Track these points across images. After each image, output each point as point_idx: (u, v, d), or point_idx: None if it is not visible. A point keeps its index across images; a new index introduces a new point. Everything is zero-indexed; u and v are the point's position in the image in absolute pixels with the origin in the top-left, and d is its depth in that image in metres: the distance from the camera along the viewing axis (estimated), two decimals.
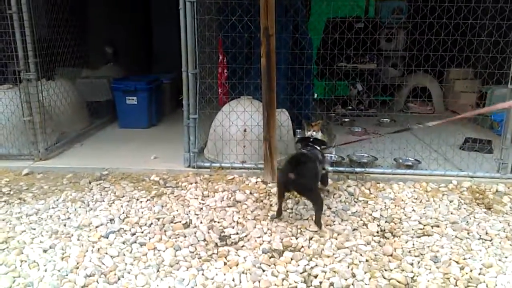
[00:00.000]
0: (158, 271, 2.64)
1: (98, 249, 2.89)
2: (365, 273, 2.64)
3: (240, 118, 4.29)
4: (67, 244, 2.94)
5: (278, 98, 3.98)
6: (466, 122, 6.35)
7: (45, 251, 2.87)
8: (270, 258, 2.79)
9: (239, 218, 3.35)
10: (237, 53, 4.39)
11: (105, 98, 6.30)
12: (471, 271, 2.68)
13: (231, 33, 4.29)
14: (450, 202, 3.73)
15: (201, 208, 3.54)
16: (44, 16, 5.07)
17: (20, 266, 2.70)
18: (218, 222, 3.29)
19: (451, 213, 3.52)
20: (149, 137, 5.65)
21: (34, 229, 3.18)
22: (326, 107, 5.56)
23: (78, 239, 3.02)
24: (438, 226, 3.29)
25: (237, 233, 3.12)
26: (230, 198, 3.71)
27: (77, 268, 2.66)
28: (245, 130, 4.33)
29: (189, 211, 3.47)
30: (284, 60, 4.63)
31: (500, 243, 3.05)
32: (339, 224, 3.28)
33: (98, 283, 2.51)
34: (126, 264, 2.71)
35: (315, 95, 6.33)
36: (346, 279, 2.56)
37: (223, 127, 4.34)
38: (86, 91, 6.12)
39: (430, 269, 2.70)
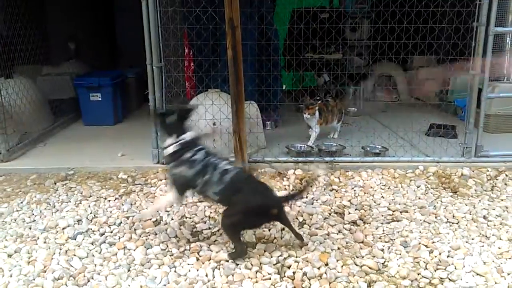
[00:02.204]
0: (129, 270, 2.58)
1: (66, 251, 2.79)
2: (337, 260, 2.66)
3: (208, 111, 4.24)
4: (33, 248, 2.83)
5: (246, 90, 3.95)
6: (430, 108, 6.50)
7: (9, 255, 2.75)
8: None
9: (211, 212, 3.31)
10: (203, 45, 4.33)
11: (68, 96, 6.11)
12: (440, 254, 2.74)
13: (195, 25, 4.22)
14: (418, 187, 3.81)
15: (171, 205, 3.48)
16: None
17: None
18: (190, 218, 3.24)
19: (419, 198, 3.59)
20: (116, 134, 5.52)
21: None
22: (294, 98, 5.56)
23: (44, 242, 2.91)
24: (406, 212, 3.36)
25: (209, 228, 3.09)
26: None
27: (45, 271, 2.56)
28: (214, 124, 4.28)
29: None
30: (251, 52, 4.59)
31: (466, 225, 3.13)
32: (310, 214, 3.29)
33: (67, 286, 2.43)
34: (95, 265, 2.63)
35: (283, 87, 6.35)
36: (318, 268, 2.57)
37: (192, 121, 4.26)
38: (48, 88, 5.91)
39: (400, 254, 2.75)
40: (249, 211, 2.61)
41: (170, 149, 2.71)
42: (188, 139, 2.73)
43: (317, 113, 4.79)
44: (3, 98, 4.48)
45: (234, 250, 2.67)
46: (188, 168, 2.64)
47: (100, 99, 5.76)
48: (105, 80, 5.78)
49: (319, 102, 4.94)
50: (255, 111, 4.51)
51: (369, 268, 2.58)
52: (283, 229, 3.01)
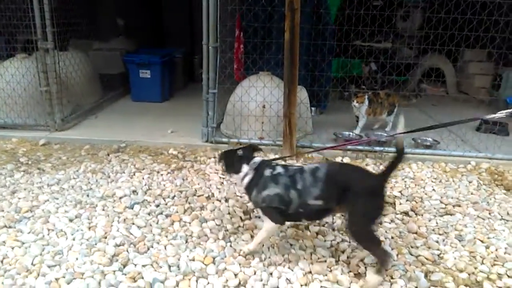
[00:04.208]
0: (186, 241, 2.65)
1: (124, 219, 2.89)
2: (392, 249, 2.65)
3: (259, 93, 4.26)
4: (92, 214, 2.95)
5: (299, 74, 3.94)
6: (479, 104, 6.33)
7: (71, 220, 2.87)
8: (295, 232, 2.80)
9: None
10: (259, 27, 4.32)
11: (118, 71, 6.25)
12: (496, 250, 2.69)
13: (253, 6, 4.21)
14: (470, 182, 3.74)
15: (222, 183, 3.54)
16: None
17: (48, 234, 2.70)
18: (241, 197, 3.29)
19: (471, 194, 3.53)
20: (164, 111, 5.62)
21: (57, 198, 3.18)
22: (340, 85, 5.51)
23: (103, 210, 3.02)
24: (459, 206, 3.30)
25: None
26: None
27: (105, 237, 2.67)
28: (263, 106, 4.30)
29: (210, 185, 3.48)
30: (306, 35, 4.56)
31: None
32: None
33: (128, 252, 2.52)
34: (154, 234, 2.72)
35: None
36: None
37: (242, 103, 4.31)
38: (99, 63, 6.06)
39: (456, 247, 2.72)
40: (371, 197, 2.26)
41: (247, 178, 2.45)
42: (259, 161, 2.50)
43: (366, 101, 4.74)
44: (60, 69, 4.61)
45: (378, 261, 2.30)
46: (275, 184, 2.34)
47: (149, 76, 5.87)
48: (155, 58, 5.87)
49: (368, 92, 4.87)
50: (306, 96, 4.49)
51: (426, 259, 2.56)
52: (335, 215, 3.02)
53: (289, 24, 3.73)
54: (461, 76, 7.04)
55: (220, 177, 3.63)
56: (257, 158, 2.53)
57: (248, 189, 2.46)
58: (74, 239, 2.66)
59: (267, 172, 2.41)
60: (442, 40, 4.37)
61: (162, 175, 3.64)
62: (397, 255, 2.60)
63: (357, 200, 2.23)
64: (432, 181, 3.75)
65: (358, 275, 2.39)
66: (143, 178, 3.55)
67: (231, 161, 2.53)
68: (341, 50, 5.99)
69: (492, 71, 6.47)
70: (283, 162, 2.72)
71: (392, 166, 2.32)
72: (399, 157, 2.31)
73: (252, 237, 2.73)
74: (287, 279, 2.34)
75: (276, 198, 2.33)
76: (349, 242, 2.71)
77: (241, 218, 2.97)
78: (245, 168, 2.46)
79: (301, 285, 2.30)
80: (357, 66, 7.04)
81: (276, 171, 2.40)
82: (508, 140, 4.51)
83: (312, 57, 4.52)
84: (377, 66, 6.67)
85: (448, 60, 6.92)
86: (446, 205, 3.31)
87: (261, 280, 2.30)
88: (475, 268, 2.50)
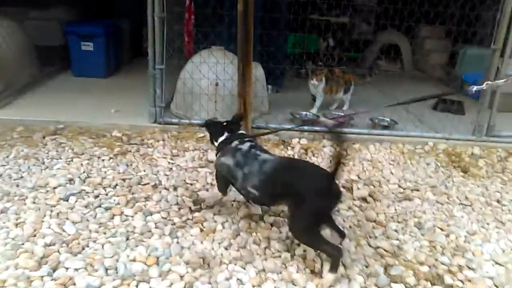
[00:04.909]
0: (127, 239, 2.38)
1: (58, 213, 2.57)
2: (350, 240, 2.50)
3: (212, 70, 3.96)
4: (21, 208, 2.59)
5: (254, 50, 3.67)
6: (436, 82, 6.31)
7: None
8: (248, 224, 2.59)
9: (212, 179, 3.10)
10: None
11: (57, 43, 5.70)
12: (456, 238, 2.62)
13: None
14: (427, 164, 3.67)
15: (171, 169, 3.26)
16: None
17: None
18: (191, 184, 3.04)
19: (430, 177, 3.45)
20: (108, 88, 5.20)
21: None
22: (296, 62, 5.29)
23: (33, 202, 2.67)
24: (418, 190, 3.21)
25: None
26: (201, 158, 3.46)
27: (35, 236, 2.35)
28: (216, 84, 4.01)
29: (158, 171, 3.20)
30: (261, 7, 4.25)
31: (481, 208, 3.01)
32: None
33: (59, 253, 2.22)
34: (90, 231, 2.42)
35: None
36: None
37: (193, 80, 4.00)
38: (35, 34, 5.48)
39: (415, 237, 2.61)
40: (315, 199, 2.11)
41: (220, 139, 2.58)
42: (239, 133, 2.60)
43: (323, 80, 4.55)
44: None
45: (330, 259, 2.13)
46: (232, 156, 2.41)
47: (92, 49, 5.39)
48: (98, 29, 5.39)
49: (325, 69, 4.69)
50: (262, 73, 4.23)
51: (385, 250, 2.43)
52: None
53: None
54: (418, 53, 6.99)
55: (168, 162, 3.35)
56: (240, 131, 2.64)
57: (217, 150, 2.59)
58: None
59: (234, 143, 2.48)
60: (402, 16, 4.20)
61: (103, 160, 3.31)
62: (355, 247, 2.45)
63: (299, 202, 2.13)
64: (389, 164, 3.65)
65: (314, 273, 2.22)
66: (81, 165, 3.21)
67: (215, 128, 2.65)
68: (298, 24, 5.76)
69: (449, 48, 6.45)
70: (257, 142, 2.64)
71: (338, 161, 2.11)
72: (341, 157, 2.11)
73: (201, 230, 2.50)
74: (238, 279, 2.13)
75: (226, 168, 2.44)
76: None
77: (190, 209, 2.72)
78: (225, 135, 2.57)
79: (253, 286, 2.10)
80: (313, 42, 6.82)
81: (240, 146, 2.45)
82: (465, 119, 4.47)
83: (267, 31, 4.23)
84: (334, 42, 6.48)
85: (405, 36, 6.84)
86: (404, 189, 3.22)
87: (209, 283, 2.08)
88: (436, 260, 2.39)
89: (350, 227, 2.66)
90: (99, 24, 5.59)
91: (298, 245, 2.43)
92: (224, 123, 2.65)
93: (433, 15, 4.25)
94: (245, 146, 2.45)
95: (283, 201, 2.28)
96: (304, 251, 2.37)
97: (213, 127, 2.68)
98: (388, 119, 4.29)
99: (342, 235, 2.31)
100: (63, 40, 5.59)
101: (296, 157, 3.62)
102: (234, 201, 2.81)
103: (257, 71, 4.14)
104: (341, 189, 2.45)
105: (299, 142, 3.88)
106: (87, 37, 5.36)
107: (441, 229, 2.71)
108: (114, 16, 6.79)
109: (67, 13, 6.21)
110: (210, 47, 4.12)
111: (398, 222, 2.77)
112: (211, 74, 3.97)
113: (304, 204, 2.11)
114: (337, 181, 2.18)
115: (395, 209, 2.92)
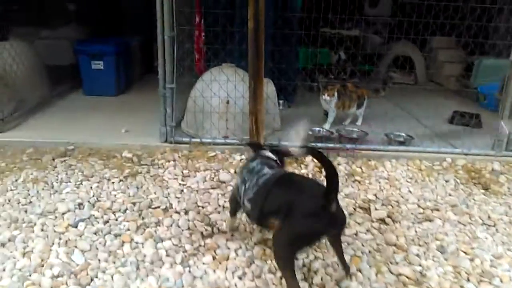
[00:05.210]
0: (137, 268, 2.29)
1: (66, 241, 2.49)
2: (370, 267, 2.39)
3: (222, 88, 3.89)
4: (29, 236, 2.53)
5: (265, 66, 3.60)
6: (451, 95, 6.17)
7: (3, 244, 2.45)
8: (263, 251, 2.48)
9: (224, 201, 3.02)
10: (220, 14, 3.92)
11: (68, 62, 5.70)
12: (481, 263, 2.48)
13: None
14: (446, 181, 3.53)
15: (182, 190, 3.18)
16: None
17: None
18: (202, 207, 2.95)
19: (449, 195, 3.32)
20: (119, 107, 5.16)
21: None
22: (309, 76, 5.22)
23: (42, 229, 2.61)
24: (438, 210, 3.08)
25: (224, 220, 2.79)
26: (213, 178, 3.37)
27: (42, 266, 2.28)
28: (227, 102, 3.94)
29: (169, 194, 3.11)
30: (271, 24, 4.19)
31: (505, 229, 2.87)
32: None
33: (67, 285, 2.14)
34: (99, 260, 2.34)
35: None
36: (350, 276, 2.29)
37: (204, 98, 3.93)
38: (46, 53, 5.49)
39: (438, 262, 2.48)
40: (305, 219, 1.92)
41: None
42: (262, 154, 2.39)
43: (335, 95, 4.46)
44: None
45: None
46: (239, 175, 2.31)
47: (102, 67, 5.37)
48: (109, 47, 5.38)
49: (337, 85, 4.59)
50: (273, 89, 4.16)
51: (407, 278, 2.31)
52: None
53: (253, 11, 3.37)
54: (431, 64, 6.87)
55: (179, 184, 3.27)
56: (267, 153, 2.41)
57: None
58: (4, 270, 2.25)
59: (251, 164, 2.31)
60: (417, 29, 4.10)
61: (113, 183, 3.24)
62: (376, 274, 2.33)
63: (285, 219, 1.94)
64: (407, 181, 3.52)
65: None
66: (91, 188, 3.14)
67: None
68: (310, 38, 5.70)
69: (463, 59, 6.32)
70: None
71: (330, 178, 1.88)
72: (330, 171, 1.88)
73: (214, 258, 2.40)
74: None
75: (235, 186, 2.38)
76: (323, 259, 2.43)
77: (202, 234, 2.63)
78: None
79: None
80: (325, 56, 6.73)
81: (252, 166, 2.29)
82: (482, 133, 4.33)
83: (278, 47, 4.16)
84: (346, 55, 6.40)
85: (417, 47, 6.72)
86: (424, 209, 3.08)
87: None
88: (461, 287, 2.26)
89: (369, 252, 2.54)
90: (109, 42, 5.58)
91: (315, 272, 2.33)
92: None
93: (449, 27, 4.14)
94: (254, 163, 2.31)
95: (272, 217, 2.02)
96: (322, 279, 2.27)
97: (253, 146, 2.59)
98: (404, 135, 4.17)
99: (347, 270, 2.19)
100: (73, 59, 5.58)
101: (310, 176, 3.52)
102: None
103: (269, 88, 4.06)
104: (345, 213, 2.21)
105: (312, 159, 3.77)
106: (97, 56, 5.34)
107: (465, 252, 2.57)
108: (125, 33, 6.79)
109: (77, 32, 6.24)
110: (221, 64, 4.06)
111: (420, 245, 2.64)
112: (222, 92, 3.90)
113: (289, 222, 1.92)
114: (339, 203, 1.98)
115: (416, 231, 2.79)
